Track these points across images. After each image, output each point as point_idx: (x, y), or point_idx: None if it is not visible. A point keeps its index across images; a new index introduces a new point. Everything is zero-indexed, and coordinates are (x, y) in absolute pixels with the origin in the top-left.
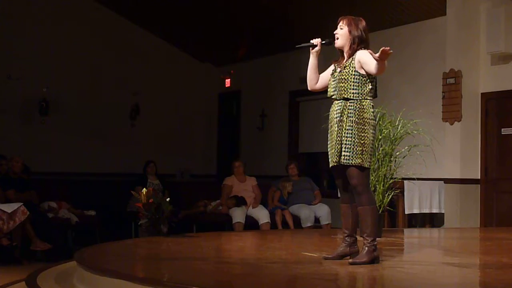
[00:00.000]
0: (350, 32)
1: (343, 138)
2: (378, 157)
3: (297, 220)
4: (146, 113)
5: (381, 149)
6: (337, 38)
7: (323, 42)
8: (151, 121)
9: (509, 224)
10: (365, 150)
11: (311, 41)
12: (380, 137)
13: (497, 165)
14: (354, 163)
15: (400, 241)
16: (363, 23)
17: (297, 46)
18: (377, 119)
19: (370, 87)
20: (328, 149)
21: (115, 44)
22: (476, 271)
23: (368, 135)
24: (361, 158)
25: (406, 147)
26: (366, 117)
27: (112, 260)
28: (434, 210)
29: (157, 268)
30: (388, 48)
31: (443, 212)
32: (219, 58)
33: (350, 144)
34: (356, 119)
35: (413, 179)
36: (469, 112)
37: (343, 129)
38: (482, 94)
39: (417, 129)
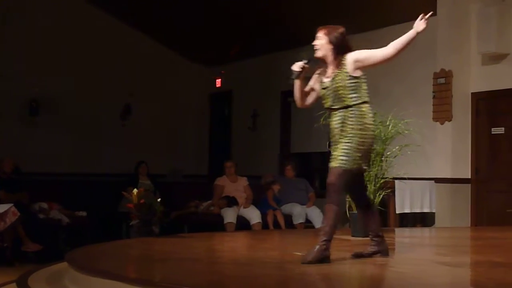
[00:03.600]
0: (329, 41)
1: (341, 145)
2: None
3: (288, 220)
4: (137, 113)
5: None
6: (317, 50)
7: (307, 62)
8: (143, 121)
9: (499, 223)
10: (363, 155)
11: (295, 70)
12: None
13: (488, 165)
14: (349, 167)
15: (391, 240)
16: (341, 29)
17: (290, 82)
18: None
19: (365, 85)
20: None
21: (106, 44)
22: (467, 270)
23: (367, 141)
24: (357, 164)
25: (397, 147)
26: (366, 123)
27: (104, 260)
28: (425, 210)
29: (149, 269)
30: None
31: (434, 211)
32: (210, 58)
33: (348, 150)
34: (357, 126)
35: (404, 178)
36: (460, 112)
37: (342, 136)
38: (473, 94)
39: (408, 129)
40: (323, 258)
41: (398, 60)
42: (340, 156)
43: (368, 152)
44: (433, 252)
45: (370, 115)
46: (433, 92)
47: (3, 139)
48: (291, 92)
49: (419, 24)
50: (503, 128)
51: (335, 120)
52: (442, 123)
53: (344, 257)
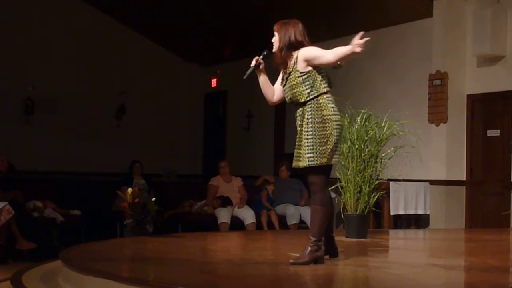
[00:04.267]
0: (280, 38)
1: (303, 142)
2: (364, 158)
3: (282, 221)
4: (132, 113)
5: (367, 150)
6: (273, 45)
7: (262, 57)
8: (137, 121)
9: (494, 225)
10: (329, 148)
11: (252, 64)
12: (366, 138)
13: (482, 167)
14: (319, 163)
15: (385, 242)
16: (296, 26)
17: (244, 77)
18: (347, 114)
19: (321, 77)
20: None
21: (102, 43)
22: (461, 273)
23: (329, 132)
24: (326, 158)
25: (392, 148)
26: (325, 114)
27: (97, 259)
28: (420, 211)
29: (142, 268)
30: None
31: (428, 213)
32: (206, 58)
33: (312, 146)
34: (316, 119)
35: (399, 180)
36: (455, 114)
37: (302, 133)
38: (468, 96)
39: (403, 130)
40: (316, 259)
41: (394, 61)
42: (306, 154)
43: (336, 144)
44: (427, 254)
45: (330, 105)
46: (428, 93)
47: None
48: None
49: (355, 47)
50: (498, 131)
51: (297, 115)
52: (437, 125)
53: (338, 258)
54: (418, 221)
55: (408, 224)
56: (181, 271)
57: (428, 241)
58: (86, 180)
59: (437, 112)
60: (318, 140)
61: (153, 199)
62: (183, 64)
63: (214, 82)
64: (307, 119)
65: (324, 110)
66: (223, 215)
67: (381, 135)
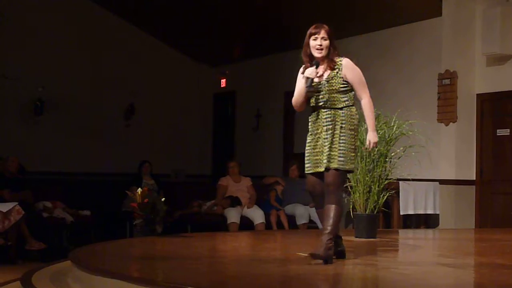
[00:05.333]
0: (332, 42)
1: (336, 145)
2: (373, 157)
3: (292, 221)
4: (141, 113)
5: (376, 149)
6: (322, 49)
7: (315, 66)
8: (146, 121)
9: (504, 225)
10: (355, 155)
11: (310, 75)
12: None
13: (492, 166)
14: (348, 168)
15: (395, 242)
16: None
17: (309, 90)
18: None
19: (353, 92)
20: (311, 156)
21: (111, 44)
22: (471, 272)
23: (356, 140)
24: (353, 163)
25: (401, 148)
26: (355, 124)
27: (107, 259)
28: (429, 211)
29: (151, 268)
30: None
31: (438, 213)
32: (215, 58)
33: (344, 150)
34: (349, 126)
35: (408, 180)
36: (465, 113)
37: (335, 136)
38: (478, 95)
39: (412, 130)
40: (328, 258)
41: (403, 61)
42: (338, 157)
43: (357, 151)
44: (436, 253)
45: (357, 116)
46: (438, 93)
47: (8, 138)
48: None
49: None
50: (508, 130)
51: (324, 118)
52: (446, 124)
53: (347, 257)
54: (427, 221)
55: (418, 224)
56: (190, 271)
57: (438, 240)
58: (96, 180)
59: (447, 112)
60: (349, 146)
61: (163, 199)
62: (192, 64)
63: (223, 82)
64: (341, 124)
65: (355, 120)
66: (232, 215)
67: (390, 135)
